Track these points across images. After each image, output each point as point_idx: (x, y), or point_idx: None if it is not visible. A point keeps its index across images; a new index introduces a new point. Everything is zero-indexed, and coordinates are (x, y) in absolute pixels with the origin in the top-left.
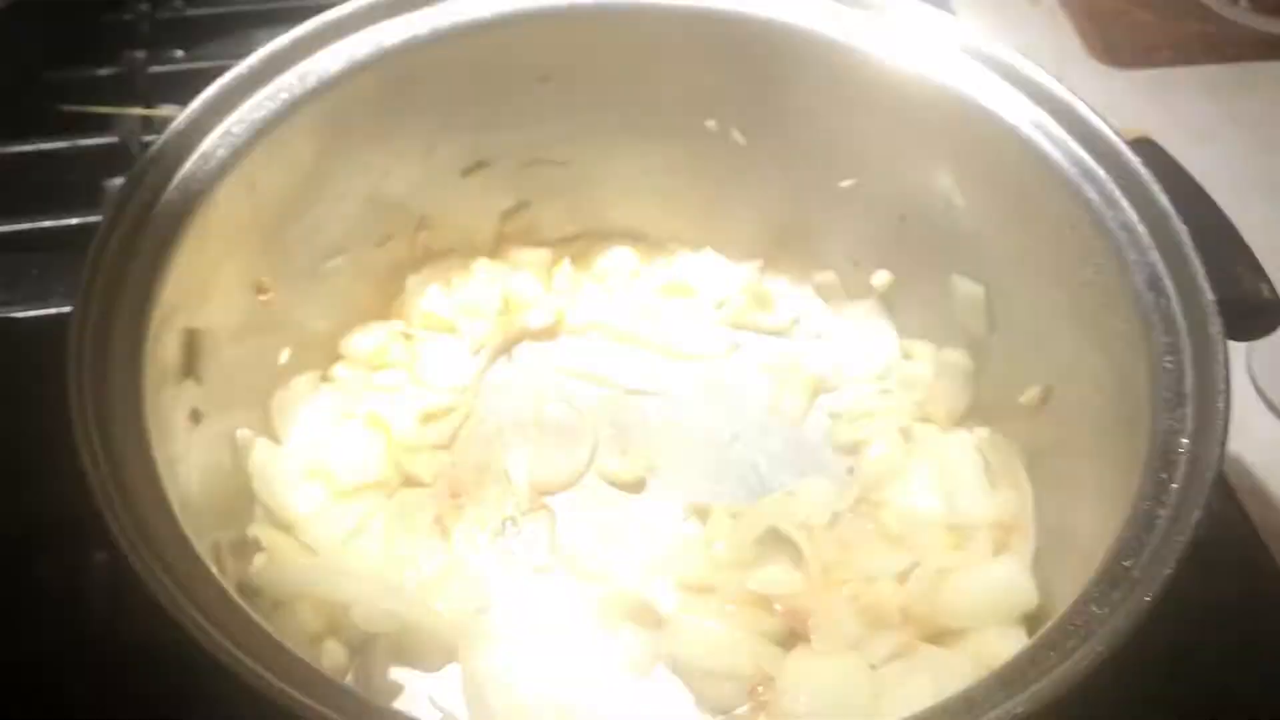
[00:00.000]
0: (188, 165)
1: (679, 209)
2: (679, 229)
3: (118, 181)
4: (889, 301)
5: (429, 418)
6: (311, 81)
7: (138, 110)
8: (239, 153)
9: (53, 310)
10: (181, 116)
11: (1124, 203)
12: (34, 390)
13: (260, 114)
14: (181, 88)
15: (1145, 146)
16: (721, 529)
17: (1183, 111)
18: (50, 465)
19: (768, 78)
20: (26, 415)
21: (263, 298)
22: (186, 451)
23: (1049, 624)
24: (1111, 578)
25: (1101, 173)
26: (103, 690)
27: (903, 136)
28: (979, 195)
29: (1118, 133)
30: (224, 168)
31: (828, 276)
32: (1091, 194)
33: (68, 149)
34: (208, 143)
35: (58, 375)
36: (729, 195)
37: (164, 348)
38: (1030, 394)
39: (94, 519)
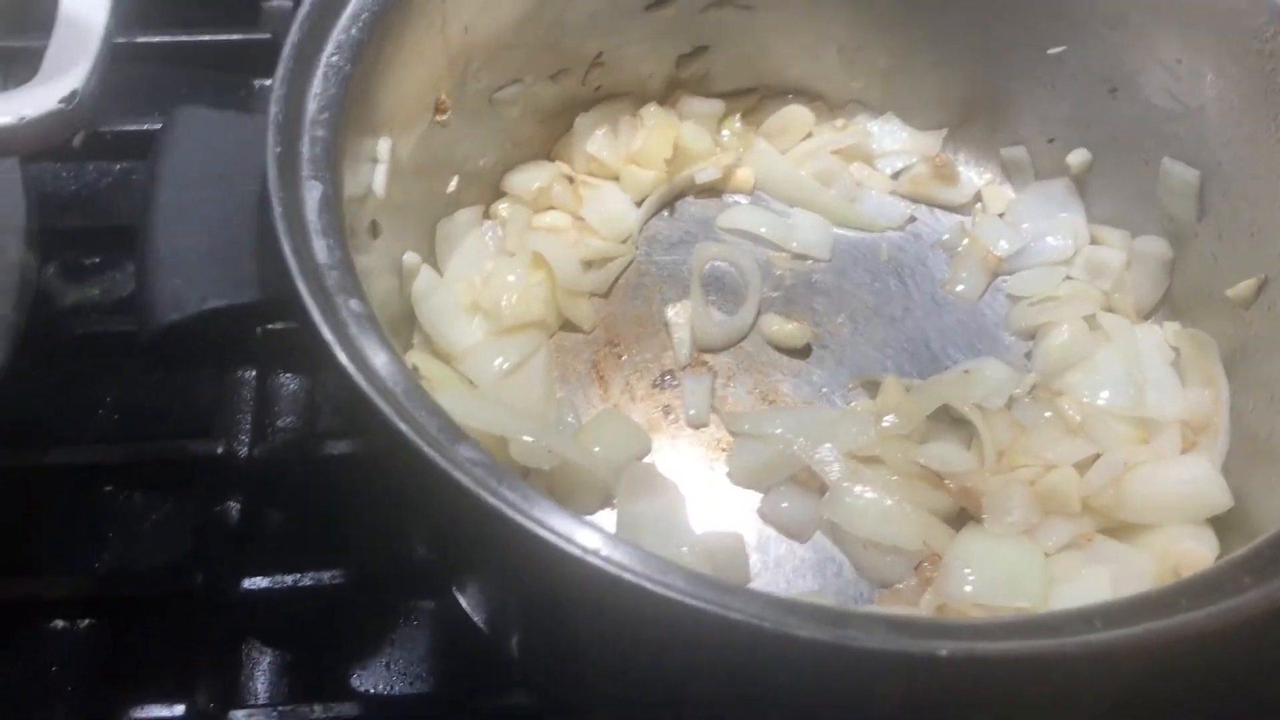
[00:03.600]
0: None
1: (862, 69)
2: (860, 90)
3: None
4: (1082, 182)
5: (590, 264)
6: None
7: None
8: None
9: None
10: None
11: None
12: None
13: None
14: None
15: None
16: (893, 401)
17: None
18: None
19: None
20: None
21: (440, 118)
22: (369, 266)
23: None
24: None
25: None
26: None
27: (1123, 4)
28: (1210, 67)
29: None
30: None
31: (1017, 152)
32: None
33: None
34: None
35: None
36: (919, 58)
37: (355, 155)
38: (1241, 287)
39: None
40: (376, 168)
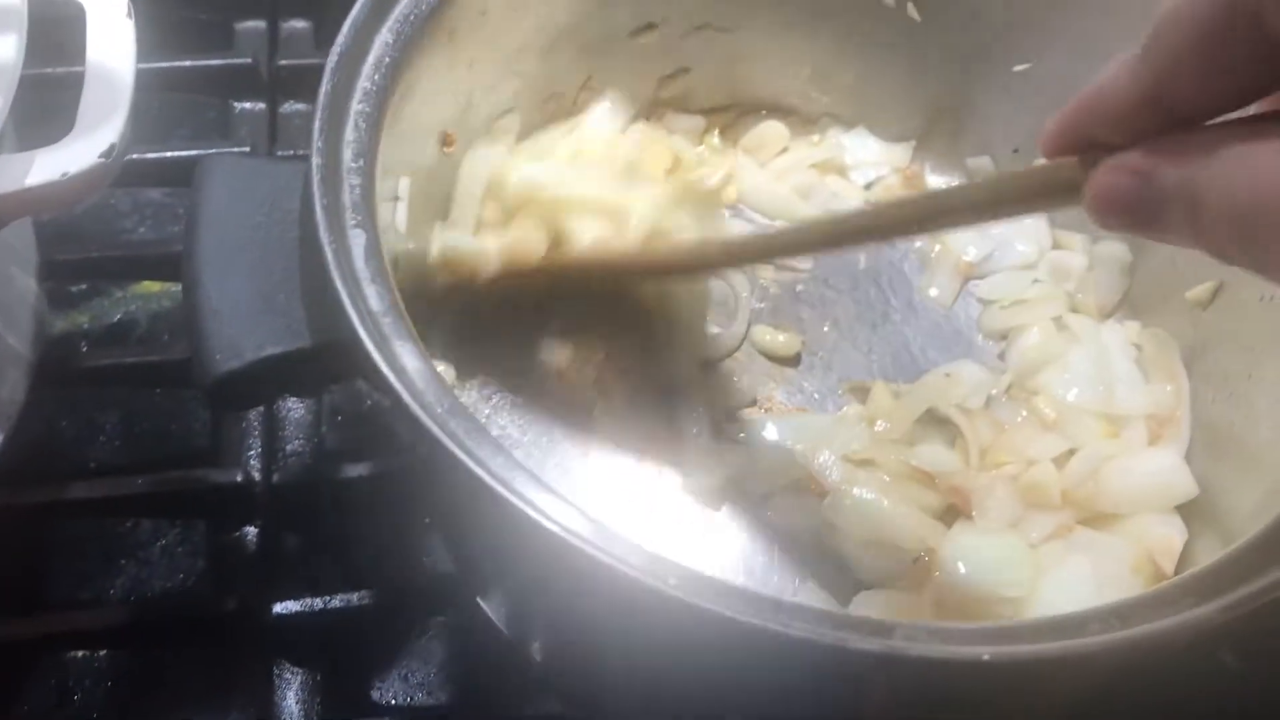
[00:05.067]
0: (400, 6)
1: (833, 85)
2: (831, 105)
3: (250, 24)
4: None
5: None
6: None
7: None
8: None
9: (177, 153)
10: None
11: None
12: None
13: None
14: None
15: None
16: (883, 406)
17: None
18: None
19: None
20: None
21: (447, 150)
22: None
23: (1268, 523)
24: None
25: None
26: None
27: (1092, 21)
28: None
29: None
30: (433, 11)
31: (981, 162)
32: None
33: None
34: None
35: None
36: (890, 74)
37: (383, 197)
38: (1200, 290)
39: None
40: (397, 206)
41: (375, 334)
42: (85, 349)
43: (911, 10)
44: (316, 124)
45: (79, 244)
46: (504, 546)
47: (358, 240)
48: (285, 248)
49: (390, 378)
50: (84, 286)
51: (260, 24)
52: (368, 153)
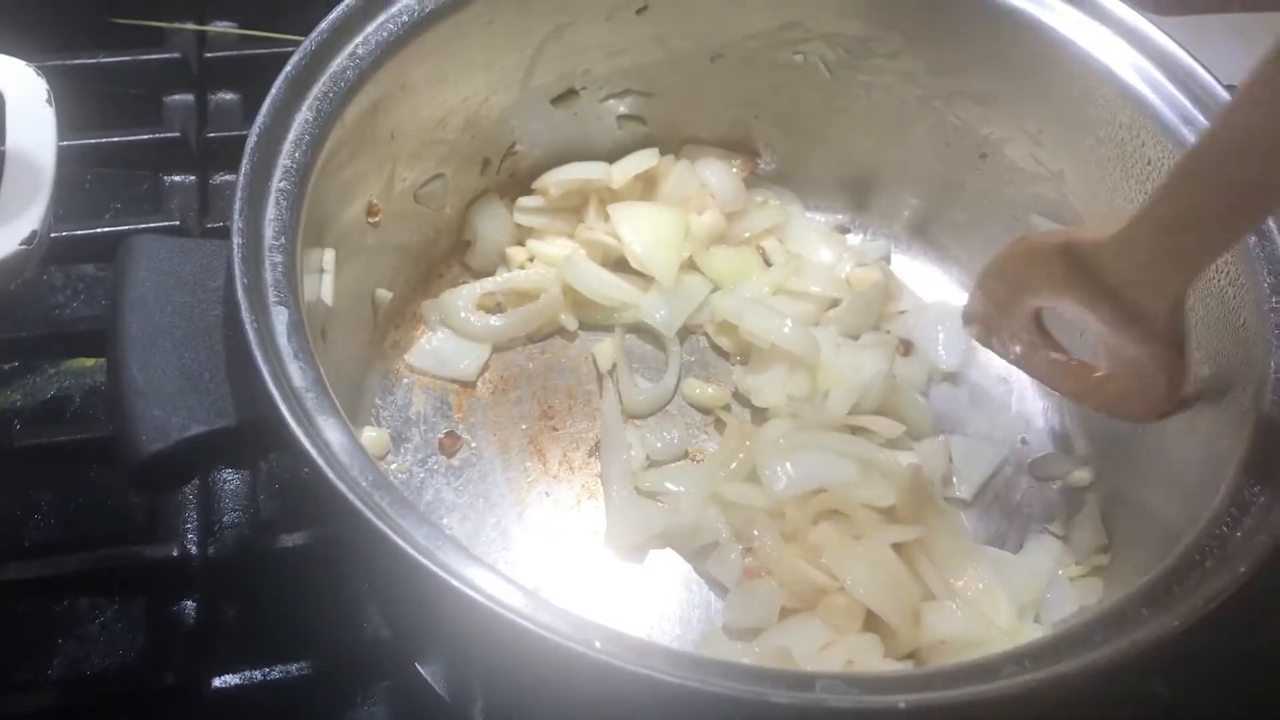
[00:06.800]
0: (319, 85)
1: (760, 145)
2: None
3: (179, 97)
4: (960, 239)
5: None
6: (430, 4)
7: (190, 26)
8: (365, 75)
9: (108, 229)
10: (312, 36)
11: None
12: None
13: (384, 35)
14: (231, 4)
15: None
16: None
17: (1218, 57)
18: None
19: (857, 11)
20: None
21: (372, 220)
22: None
23: (1182, 544)
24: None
25: (1201, 119)
26: None
27: (993, 75)
28: (1068, 136)
29: (1219, 80)
30: (352, 89)
31: (899, 213)
32: (1192, 139)
33: (129, 63)
34: (337, 64)
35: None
36: (811, 139)
37: (306, 270)
38: None
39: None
40: (323, 278)
41: (298, 410)
42: (19, 426)
43: (823, 69)
44: (237, 204)
45: (10, 321)
46: (435, 616)
47: (280, 317)
48: (210, 326)
49: (313, 454)
50: (16, 364)
51: (189, 97)
52: (289, 229)
